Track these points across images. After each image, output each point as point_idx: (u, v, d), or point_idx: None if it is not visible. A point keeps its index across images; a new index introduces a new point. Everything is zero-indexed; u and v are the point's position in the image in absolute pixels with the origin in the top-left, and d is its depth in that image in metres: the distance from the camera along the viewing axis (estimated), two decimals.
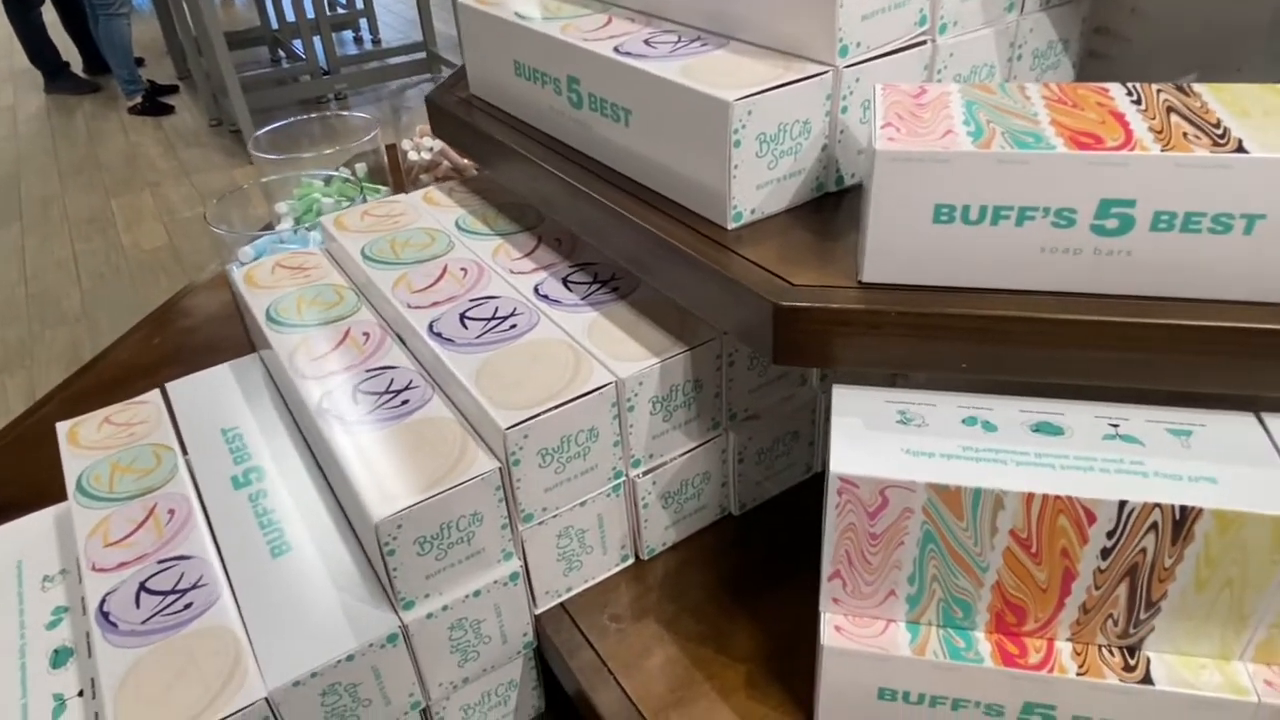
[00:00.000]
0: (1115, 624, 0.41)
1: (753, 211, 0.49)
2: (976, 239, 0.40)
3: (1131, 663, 0.41)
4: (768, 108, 0.46)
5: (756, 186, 0.48)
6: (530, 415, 0.48)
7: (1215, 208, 0.37)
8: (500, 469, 0.48)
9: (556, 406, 0.49)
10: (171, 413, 0.64)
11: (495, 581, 0.51)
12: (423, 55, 3.56)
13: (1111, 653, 0.42)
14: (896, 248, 0.41)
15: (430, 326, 0.56)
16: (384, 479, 0.48)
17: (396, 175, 1.10)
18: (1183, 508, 0.37)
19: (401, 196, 0.75)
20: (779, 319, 0.43)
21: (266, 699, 0.45)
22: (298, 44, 3.71)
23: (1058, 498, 0.38)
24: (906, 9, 0.49)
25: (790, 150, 0.48)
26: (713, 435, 0.57)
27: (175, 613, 0.49)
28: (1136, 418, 0.41)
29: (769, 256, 0.46)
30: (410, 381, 0.55)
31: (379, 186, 1.04)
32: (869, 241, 0.42)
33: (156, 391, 0.67)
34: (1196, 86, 0.42)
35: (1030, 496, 0.38)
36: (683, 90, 0.48)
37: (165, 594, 0.50)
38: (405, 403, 0.53)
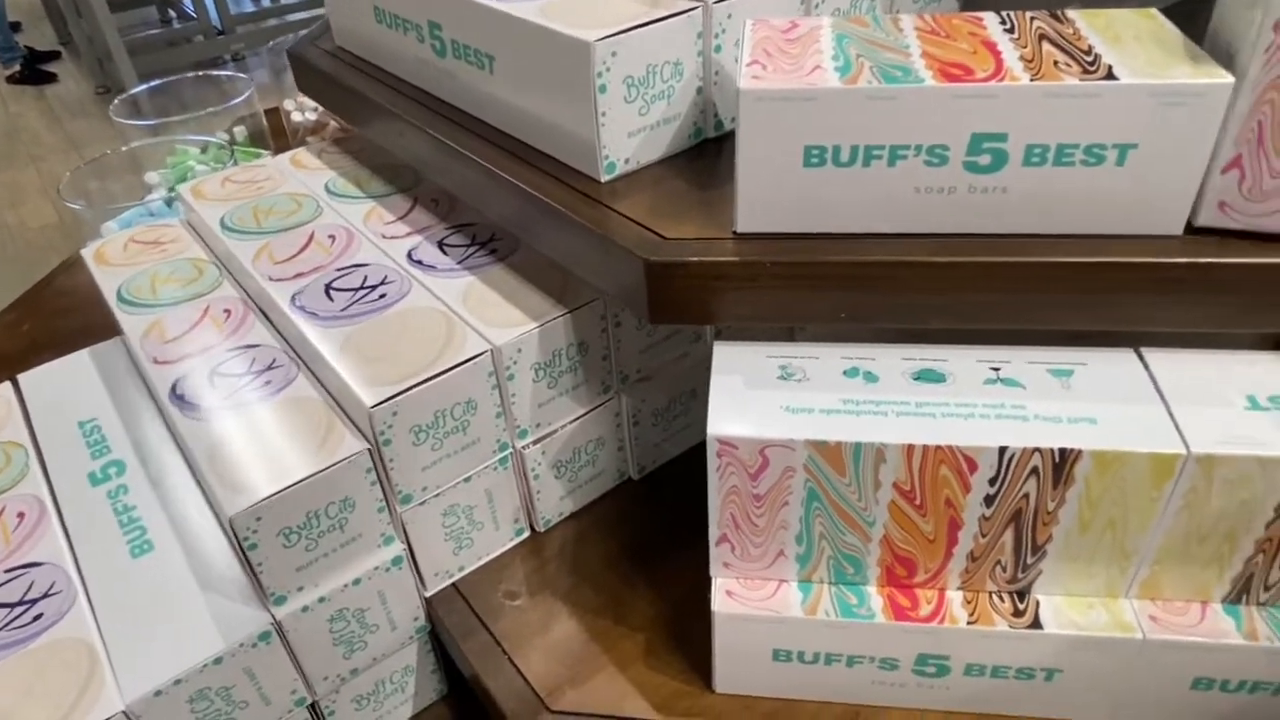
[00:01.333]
0: (1004, 570, 0.41)
1: (626, 162, 0.46)
2: (850, 182, 0.38)
3: (1021, 607, 0.41)
4: (633, 48, 0.43)
5: (628, 134, 0.45)
6: (398, 391, 0.45)
7: (1087, 138, 0.36)
8: (370, 450, 0.45)
9: (427, 380, 0.45)
10: (24, 406, 0.59)
11: (376, 568, 0.48)
12: (323, 10, 3.39)
13: (1002, 599, 0.41)
14: (769, 195, 0.39)
15: (293, 299, 0.52)
16: (241, 469, 0.44)
17: (281, 139, 1.03)
18: (1062, 450, 0.36)
19: (267, 160, 0.69)
20: (651, 276, 0.40)
21: (124, 712, 0.41)
22: (189, 2, 3.50)
23: (938, 448, 0.37)
24: None
25: (662, 94, 0.46)
26: (604, 399, 0.54)
27: (22, 626, 0.45)
28: (1018, 360, 0.40)
29: (643, 210, 0.44)
30: (274, 360, 0.51)
31: (259, 151, 0.98)
32: (740, 190, 0.39)
33: (7, 384, 0.62)
34: (1071, 13, 0.41)
35: (911, 448, 0.37)
36: (542, 32, 0.45)
37: (12, 606, 0.46)
38: (268, 384, 0.49)
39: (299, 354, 0.51)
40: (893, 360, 0.41)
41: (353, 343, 0.48)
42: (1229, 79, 0.34)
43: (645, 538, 0.55)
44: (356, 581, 0.47)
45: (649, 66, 0.44)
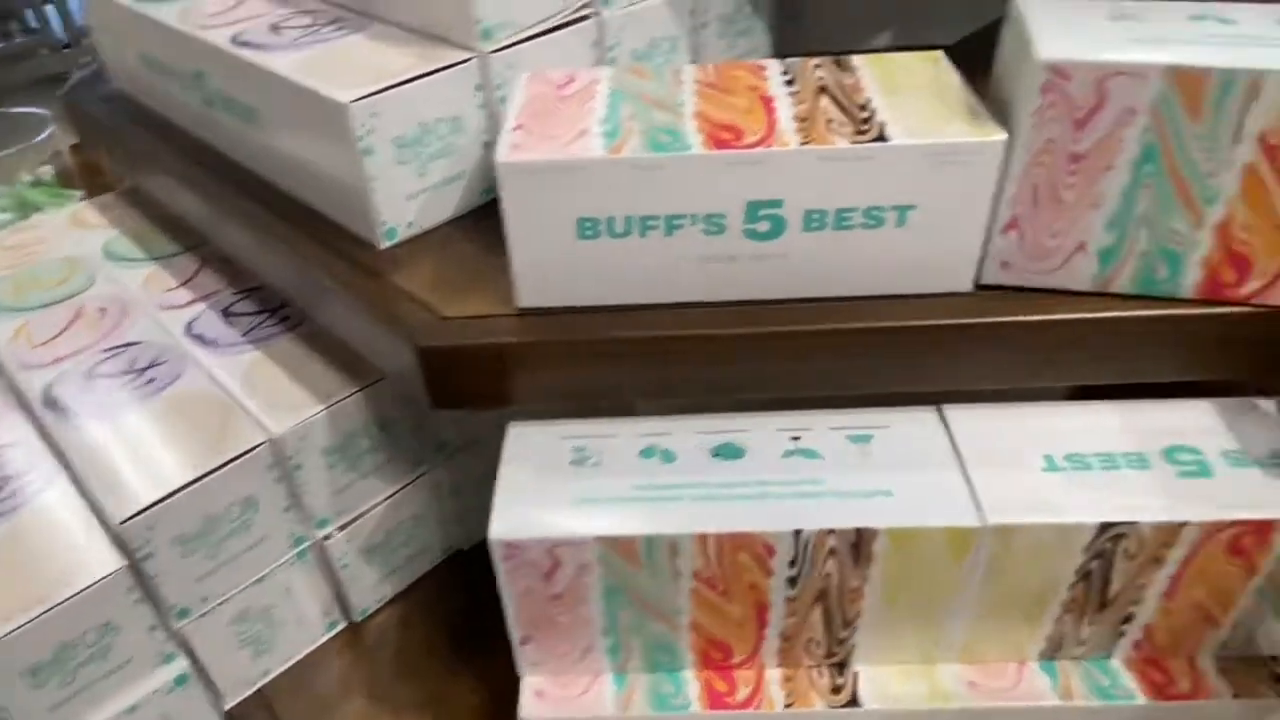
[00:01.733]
0: (819, 646, 0.39)
1: (409, 225, 0.42)
2: (629, 253, 0.35)
3: (840, 682, 0.39)
4: (399, 106, 0.39)
5: (406, 197, 0.42)
6: (154, 501, 0.40)
7: (864, 201, 0.34)
8: (129, 567, 0.40)
9: (190, 483, 0.41)
10: None
11: (155, 691, 0.43)
12: None
13: (821, 673, 0.40)
14: (546, 269, 0.36)
15: (46, 392, 0.46)
16: None
17: (99, 176, 0.95)
18: (858, 530, 0.34)
19: (42, 218, 0.62)
20: (427, 362, 0.37)
21: None
22: (31, 14, 3.23)
23: (733, 535, 0.35)
24: None
25: (442, 152, 0.42)
26: (418, 473, 0.50)
27: None
28: (819, 426, 0.39)
29: (425, 280, 0.40)
30: (22, 467, 0.45)
31: (67, 193, 0.89)
32: (514, 265, 0.36)
33: None
34: (856, 59, 0.39)
35: (704, 537, 0.35)
36: (297, 89, 0.40)
37: None
38: (12, 495, 0.43)
39: (57, 455, 0.45)
40: (692, 435, 0.38)
41: (110, 442, 0.43)
42: (1001, 137, 0.32)
43: (473, 618, 0.52)
44: (133, 709, 0.42)
45: (421, 124, 0.41)
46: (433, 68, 0.40)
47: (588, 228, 0.35)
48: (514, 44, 0.42)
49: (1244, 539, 0.34)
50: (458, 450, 0.52)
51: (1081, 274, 0.35)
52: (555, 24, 0.43)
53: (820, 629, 0.38)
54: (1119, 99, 0.31)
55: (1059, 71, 0.31)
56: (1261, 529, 0.34)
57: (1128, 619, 0.37)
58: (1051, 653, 0.39)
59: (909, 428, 0.38)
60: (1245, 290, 0.34)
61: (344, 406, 0.45)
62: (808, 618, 0.37)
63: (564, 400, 0.38)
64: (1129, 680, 0.38)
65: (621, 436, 0.39)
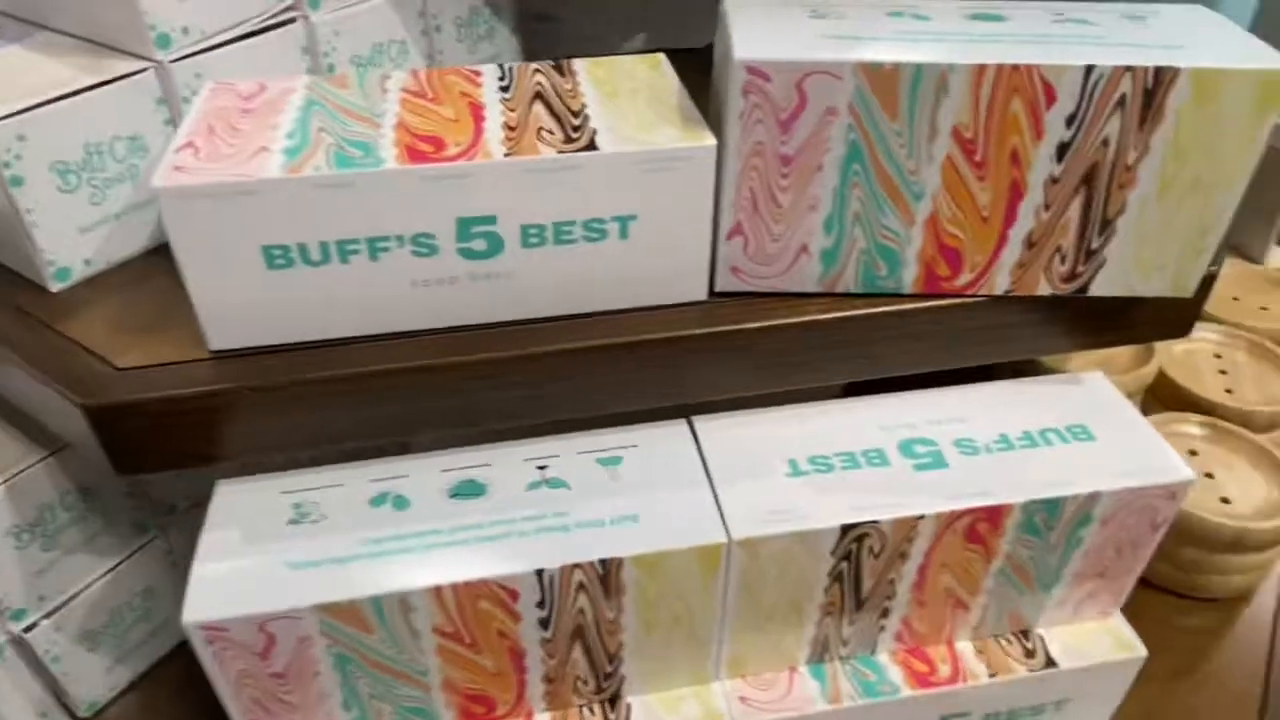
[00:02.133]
0: (585, 684, 0.37)
1: (87, 264, 0.36)
2: (332, 282, 0.32)
3: (613, 717, 0.37)
4: (54, 127, 0.34)
5: (80, 231, 0.36)
6: None
7: (583, 214, 0.32)
8: None
9: None
10: None
11: None
12: None
13: (593, 710, 0.38)
14: (235, 306, 0.32)
15: None
16: None
17: None
18: (604, 561, 0.32)
19: None
20: (98, 423, 0.31)
21: None
22: None
23: (469, 584, 0.32)
24: None
25: (123, 176, 0.36)
26: (144, 540, 0.44)
27: None
28: (568, 452, 0.36)
29: (103, 327, 0.34)
30: None
31: None
32: (196, 304, 0.32)
33: None
34: (578, 63, 0.37)
35: (439, 590, 0.31)
36: None
37: None
38: None
39: None
40: (429, 475, 0.35)
41: None
42: (710, 142, 0.31)
43: None
44: None
45: (89, 146, 0.35)
46: (97, 80, 0.35)
47: (277, 257, 0.31)
48: (200, 52, 0.37)
49: (978, 525, 0.35)
50: (190, 508, 0.46)
51: (808, 276, 0.35)
52: (251, 29, 0.39)
53: (584, 666, 0.36)
54: (819, 98, 0.30)
55: (757, 72, 0.30)
56: (992, 514, 0.35)
57: (885, 614, 0.38)
58: (819, 656, 0.39)
59: (659, 445, 0.37)
60: (960, 282, 0.35)
61: (28, 477, 0.38)
62: (569, 657, 0.35)
63: (276, 452, 0.34)
64: (894, 674, 0.39)
65: (350, 485, 0.35)
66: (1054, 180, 0.32)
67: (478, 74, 0.36)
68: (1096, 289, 0.34)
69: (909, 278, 0.34)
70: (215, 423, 0.32)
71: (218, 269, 0.31)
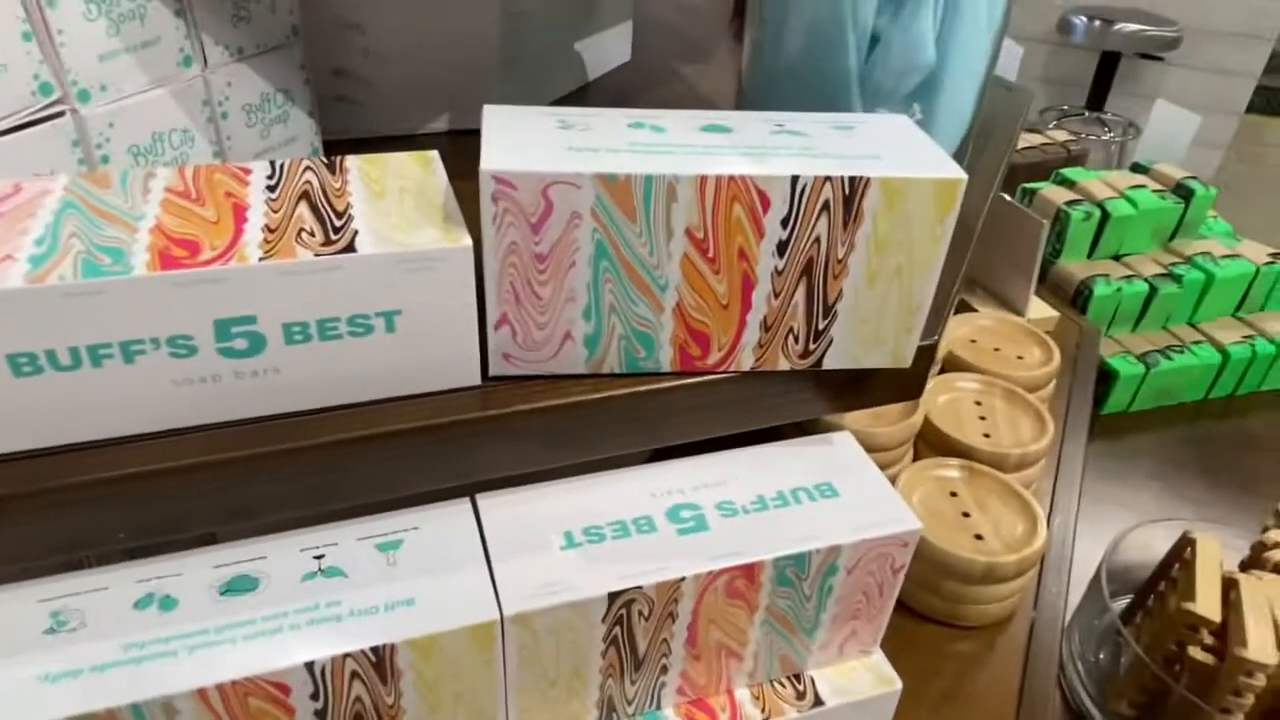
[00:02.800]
0: None
1: None
2: (85, 386, 0.32)
3: None
4: None
5: None
6: None
7: (344, 311, 0.33)
8: None
9: None
10: None
11: None
12: None
13: None
14: None
15: None
16: None
17: None
18: (375, 649, 0.33)
19: None
20: None
21: None
22: None
23: (235, 683, 0.32)
24: (9, 75, 0.38)
25: None
26: None
27: None
28: (347, 539, 0.37)
29: None
30: None
31: None
32: None
33: None
34: (350, 160, 0.39)
35: (204, 692, 0.31)
36: None
37: None
38: None
39: None
40: (200, 572, 0.35)
41: None
42: (465, 243, 0.33)
43: None
44: None
45: None
46: None
47: (24, 364, 0.30)
48: None
49: (736, 582, 0.38)
50: None
51: (574, 360, 0.37)
52: (15, 124, 0.38)
53: None
54: (563, 204, 0.33)
55: (505, 181, 0.32)
56: (747, 571, 0.38)
57: (664, 670, 0.40)
58: (606, 716, 0.41)
59: (440, 526, 0.38)
60: (711, 361, 0.38)
61: None
62: None
63: (37, 560, 0.33)
64: None
65: (114, 588, 0.34)
66: (778, 272, 0.36)
67: (247, 171, 0.37)
68: (829, 363, 0.39)
69: (665, 358, 0.38)
70: None
71: None
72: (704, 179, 0.33)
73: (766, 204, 0.34)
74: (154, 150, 0.45)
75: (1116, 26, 2.18)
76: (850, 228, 0.35)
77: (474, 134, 0.39)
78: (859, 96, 0.48)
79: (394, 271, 0.33)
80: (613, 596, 0.36)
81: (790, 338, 0.38)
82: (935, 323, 0.41)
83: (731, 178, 0.33)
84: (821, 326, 0.38)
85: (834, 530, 0.39)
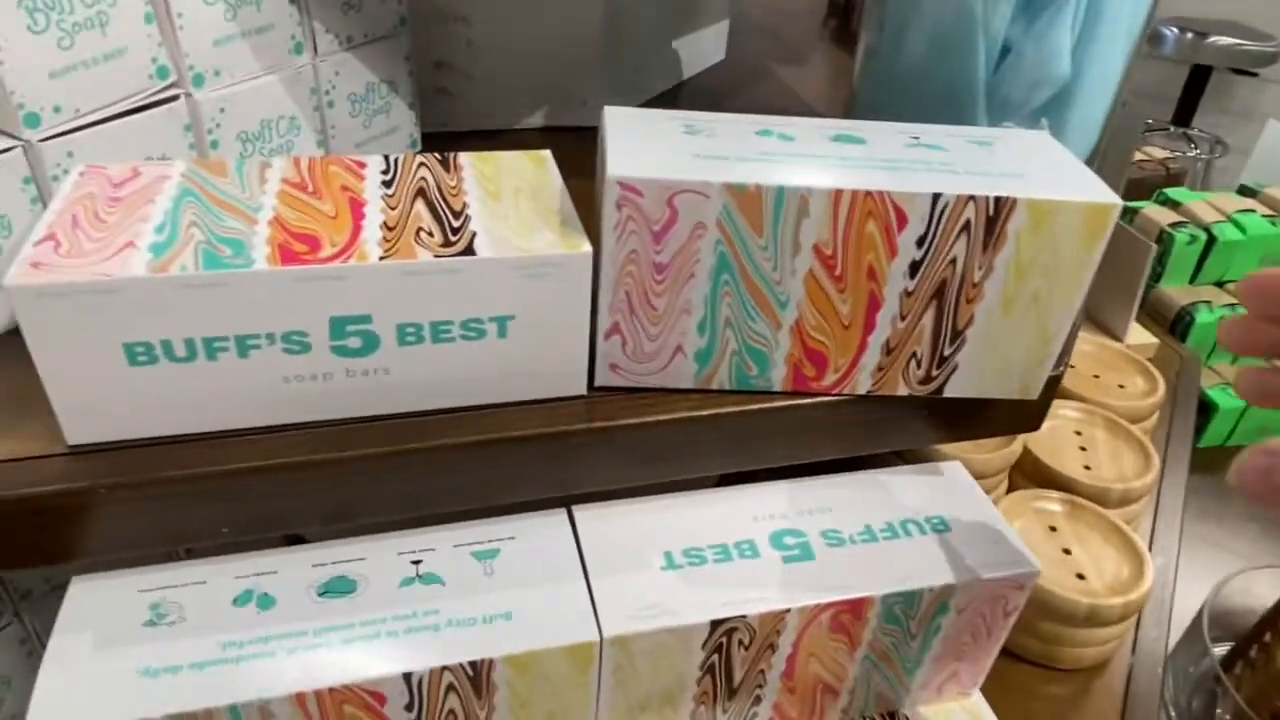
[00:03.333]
0: None
1: None
2: (198, 378, 0.31)
3: None
4: None
5: None
6: None
7: (460, 314, 0.32)
8: None
9: None
10: None
11: None
12: None
13: None
14: (95, 401, 0.31)
15: None
16: None
17: None
18: (473, 663, 0.32)
19: None
20: None
21: None
22: None
23: (333, 690, 0.31)
24: (128, 58, 0.38)
25: None
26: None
27: None
28: (443, 545, 0.36)
29: None
30: None
31: None
32: (54, 400, 0.31)
33: None
34: (464, 158, 0.38)
35: (301, 696, 0.31)
36: None
37: None
38: None
39: None
40: (299, 571, 0.35)
41: None
42: (586, 250, 0.32)
43: None
44: None
45: None
46: None
47: (140, 354, 0.30)
48: (73, 130, 0.36)
49: (841, 616, 0.36)
50: (49, 592, 0.44)
51: (684, 374, 0.36)
52: (129, 107, 0.38)
53: None
54: (688, 214, 0.32)
55: (630, 188, 0.31)
56: (855, 606, 0.36)
57: (757, 700, 0.39)
58: None
59: (537, 537, 0.37)
60: (825, 383, 0.36)
61: None
62: None
63: (138, 550, 0.33)
64: None
65: (213, 582, 0.34)
66: (908, 293, 0.34)
67: (362, 165, 0.36)
68: (951, 391, 0.37)
69: (778, 377, 0.36)
70: (71, 522, 0.31)
71: (76, 365, 0.30)
72: (839, 193, 0.31)
73: (903, 221, 0.32)
74: (261, 137, 0.44)
75: (1210, 40, 2.09)
76: (990, 250, 0.33)
77: (570, 131, 0.38)
78: (985, 108, 0.46)
79: (511, 276, 0.32)
80: (715, 624, 0.34)
81: (913, 362, 0.36)
82: (1065, 353, 0.38)
83: (869, 193, 0.31)
84: (948, 352, 0.36)
85: (947, 568, 0.37)
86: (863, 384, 0.36)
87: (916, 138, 0.35)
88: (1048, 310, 0.35)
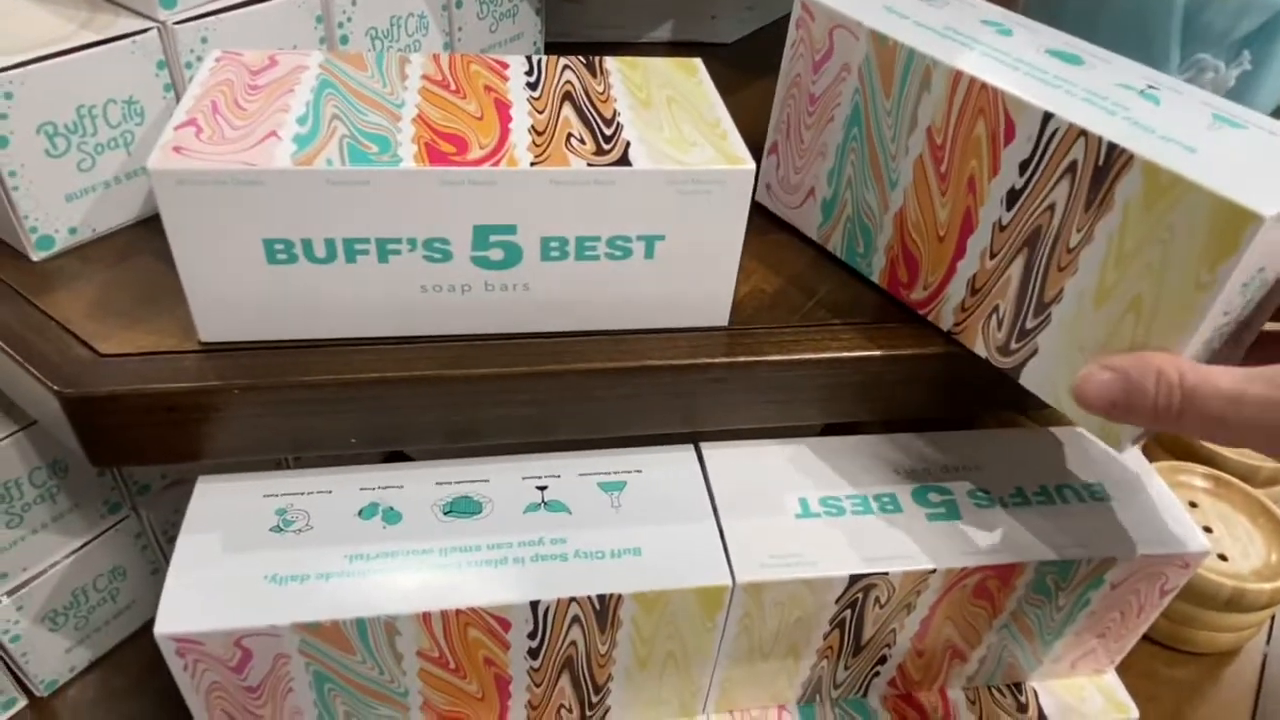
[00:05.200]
0: (569, 711, 0.36)
1: (72, 232, 0.34)
2: (334, 281, 0.30)
3: None
4: (46, 85, 0.31)
5: (67, 198, 0.33)
6: None
7: (608, 230, 0.30)
8: None
9: None
10: None
11: None
12: None
13: None
14: (230, 298, 0.30)
15: None
16: None
17: None
18: (601, 596, 0.31)
19: None
20: (74, 413, 0.29)
21: None
22: None
23: (459, 611, 0.30)
24: None
25: (116, 142, 0.34)
26: (117, 519, 0.42)
27: None
28: (569, 473, 0.35)
29: (86, 304, 0.32)
30: None
31: None
32: (189, 294, 0.29)
33: None
34: (610, 62, 0.35)
35: (427, 616, 0.30)
36: None
37: None
38: None
39: None
40: (423, 488, 0.33)
41: None
42: (750, 166, 0.29)
43: None
44: None
45: (82, 108, 0.33)
46: (95, 39, 0.32)
47: (279, 251, 0.29)
48: (208, 14, 0.35)
49: (988, 582, 0.34)
50: (166, 488, 0.44)
51: (811, 221, 0.36)
52: None
53: (570, 696, 0.34)
54: (841, 51, 0.31)
55: (806, 9, 0.32)
56: (1004, 572, 0.34)
57: (882, 660, 0.37)
58: (809, 697, 0.38)
59: (664, 471, 0.35)
60: (914, 296, 0.33)
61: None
62: (555, 686, 0.34)
63: (263, 454, 0.32)
64: (884, 719, 0.38)
65: (338, 492, 0.33)
66: (1001, 227, 0.29)
67: (504, 65, 0.34)
68: (1027, 379, 0.31)
69: (877, 266, 0.34)
70: (201, 421, 0.30)
71: (214, 259, 0.29)
72: (959, 75, 0.28)
73: (1010, 134, 0.28)
74: (390, 35, 0.42)
75: None
76: (1094, 210, 0.27)
77: (694, 46, 0.35)
78: (1179, 35, 0.41)
79: (667, 192, 0.30)
80: (854, 579, 0.32)
81: (994, 320, 0.31)
82: None
83: (984, 85, 0.28)
84: (1030, 325, 0.30)
85: (1108, 540, 0.34)
86: (946, 317, 0.32)
87: (1154, 85, 0.30)
88: (1149, 327, 0.27)
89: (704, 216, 0.30)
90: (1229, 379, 0.24)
